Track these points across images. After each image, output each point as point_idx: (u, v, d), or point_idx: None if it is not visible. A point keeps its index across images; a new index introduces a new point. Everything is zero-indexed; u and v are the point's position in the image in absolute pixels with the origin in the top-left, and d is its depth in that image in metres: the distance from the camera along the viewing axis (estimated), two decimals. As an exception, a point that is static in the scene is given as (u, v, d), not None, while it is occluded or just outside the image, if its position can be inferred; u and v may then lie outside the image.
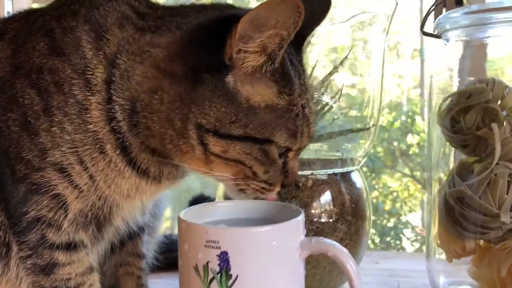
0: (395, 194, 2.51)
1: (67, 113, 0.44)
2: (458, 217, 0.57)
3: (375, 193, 2.44)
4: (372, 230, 2.26)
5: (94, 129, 0.45)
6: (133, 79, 0.44)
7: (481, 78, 0.57)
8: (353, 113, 0.63)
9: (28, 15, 0.52)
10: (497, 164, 0.55)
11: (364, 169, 2.29)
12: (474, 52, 0.61)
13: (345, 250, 0.45)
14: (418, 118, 2.28)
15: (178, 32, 0.44)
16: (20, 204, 0.47)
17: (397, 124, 2.17)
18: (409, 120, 2.19)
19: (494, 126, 0.53)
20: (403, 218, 2.38)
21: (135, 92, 0.44)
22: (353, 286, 0.45)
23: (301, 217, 0.46)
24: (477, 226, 0.56)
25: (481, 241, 0.59)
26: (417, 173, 2.35)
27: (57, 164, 0.46)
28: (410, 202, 2.44)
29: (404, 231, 2.23)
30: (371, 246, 2.06)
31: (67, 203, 0.47)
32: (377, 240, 2.15)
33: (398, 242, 2.14)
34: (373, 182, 2.41)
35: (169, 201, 0.65)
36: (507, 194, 0.54)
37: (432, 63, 0.63)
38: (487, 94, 0.55)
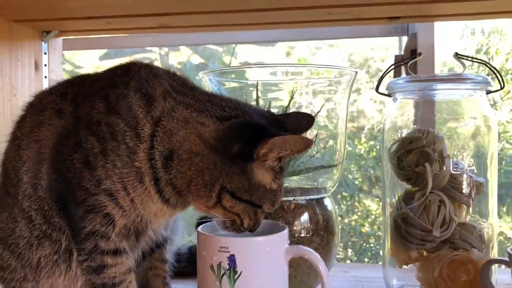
0: (373, 216, 2.70)
1: (118, 154, 0.60)
2: (404, 233, 0.76)
3: (355, 217, 2.62)
4: (350, 250, 2.44)
5: (138, 165, 0.60)
6: (174, 137, 0.59)
7: (419, 128, 0.77)
8: (326, 152, 0.82)
9: (83, 80, 0.69)
10: (430, 192, 0.74)
11: (344, 194, 2.48)
12: (417, 108, 0.81)
13: (317, 254, 0.63)
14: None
15: (224, 124, 0.60)
16: (79, 221, 0.62)
17: (373, 153, 2.37)
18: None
19: (427, 165, 0.73)
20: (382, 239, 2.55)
21: (174, 147, 0.59)
22: (323, 281, 0.63)
23: (286, 231, 0.65)
24: (417, 239, 0.74)
25: (424, 252, 0.78)
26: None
27: (108, 190, 0.60)
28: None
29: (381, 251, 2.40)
30: (348, 262, 2.24)
31: (114, 220, 0.62)
32: (354, 259, 2.32)
33: (375, 261, 2.31)
34: (352, 206, 2.59)
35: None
36: (437, 215, 0.73)
37: (385, 115, 0.83)
38: (423, 141, 0.74)
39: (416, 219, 0.74)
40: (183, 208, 0.66)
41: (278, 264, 0.63)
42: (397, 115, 0.80)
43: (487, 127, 0.77)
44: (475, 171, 0.75)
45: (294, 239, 0.73)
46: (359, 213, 2.66)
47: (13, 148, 0.67)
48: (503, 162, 2.05)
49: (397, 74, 1.09)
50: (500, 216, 2.05)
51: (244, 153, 0.59)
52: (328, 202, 0.79)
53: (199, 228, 0.65)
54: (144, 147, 0.60)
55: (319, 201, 0.77)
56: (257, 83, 0.75)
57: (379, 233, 2.72)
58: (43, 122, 0.66)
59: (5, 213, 0.66)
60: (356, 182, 2.52)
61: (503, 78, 0.75)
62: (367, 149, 2.42)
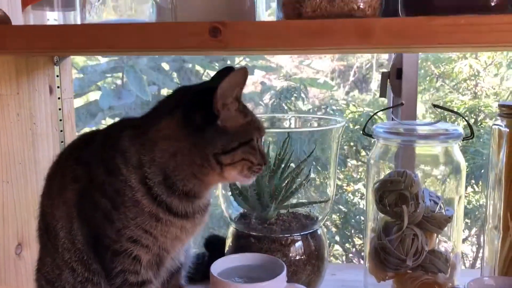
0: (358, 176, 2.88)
1: (127, 207, 0.68)
2: (382, 259, 0.89)
3: (341, 176, 2.78)
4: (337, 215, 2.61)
5: (148, 209, 0.68)
6: (158, 161, 0.68)
7: (398, 170, 0.89)
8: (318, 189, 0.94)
9: (88, 142, 0.77)
10: (406, 227, 0.87)
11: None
12: (398, 150, 0.92)
13: (309, 291, 0.77)
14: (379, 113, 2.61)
15: (175, 113, 0.68)
16: (109, 262, 0.73)
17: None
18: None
19: (404, 207, 0.85)
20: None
21: (163, 166, 0.68)
22: (314, 312, 0.77)
23: (284, 272, 0.78)
24: (393, 265, 0.88)
25: (399, 271, 0.92)
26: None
27: (130, 237, 0.69)
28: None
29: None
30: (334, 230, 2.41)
31: (141, 259, 0.71)
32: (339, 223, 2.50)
33: (360, 221, 2.50)
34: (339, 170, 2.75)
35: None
36: (411, 247, 0.87)
37: (370, 154, 0.94)
38: (401, 185, 0.86)
39: (393, 250, 0.87)
40: (201, 214, 0.74)
41: (278, 300, 0.77)
42: (380, 154, 0.92)
43: (458, 170, 0.89)
44: (443, 209, 0.88)
45: (291, 269, 0.87)
46: (345, 172, 2.82)
47: (49, 204, 0.77)
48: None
49: (382, 94, 1.20)
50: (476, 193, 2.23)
51: (207, 117, 0.67)
52: (320, 234, 0.92)
53: (212, 270, 0.78)
54: (141, 194, 0.69)
55: (313, 234, 0.90)
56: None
57: (362, 191, 2.90)
58: (66, 186, 0.75)
59: (48, 259, 0.78)
60: (343, 149, 2.66)
61: (473, 128, 0.86)
62: (354, 118, 2.54)
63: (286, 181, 0.89)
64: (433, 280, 0.88)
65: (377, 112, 0.93)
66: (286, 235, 0.87)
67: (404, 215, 0.85)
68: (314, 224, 0.91)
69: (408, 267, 0.88)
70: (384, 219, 0.92)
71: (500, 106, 0.84)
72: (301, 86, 2.83)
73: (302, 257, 0.88)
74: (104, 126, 0.80)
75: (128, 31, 0.71)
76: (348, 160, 2.74)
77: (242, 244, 0.88)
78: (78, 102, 2.91)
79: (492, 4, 0.68)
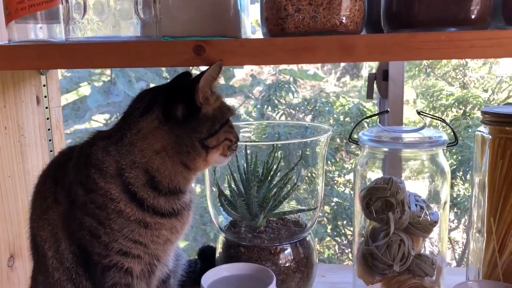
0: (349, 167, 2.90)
1: (111, 219, 0.69)
2: (370, 264, 0.91)
3: (332, 168, 2.80)
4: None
5: (134, 218, 0.69)
6: (138, 162, 0.68)
7: (384, 177, 0.90)
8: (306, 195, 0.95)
9: (65, 163, 0.77)
10: (393, 233, 0.88)
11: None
12: (384, 157, 0.93)
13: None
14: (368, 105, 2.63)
15: (152, 111, 0.70)
16: (100, 278, 0.73)
17: (349, 117, 2.51)
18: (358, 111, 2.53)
19: (390, 214, 0.87)
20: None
21: (144, 165, 0.69)
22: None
23: (274, 282, 0.79)
24: (381, 270, 0.90)
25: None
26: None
27: (119, 250, 0.70)
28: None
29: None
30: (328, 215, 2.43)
31: (132, 270, 0.72)
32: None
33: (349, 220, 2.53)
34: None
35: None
36: (398, 252, 0.88)
37: (357, 160, 0.95)
38: (387, 192, 0.87)
39: (380, 256, 0.89)
40: (187, 209, 0.75)
41: (267, 311, 0.78)
42: (367, 161, 0.93)
43: (442, 174, 0.90)
44: (428, 214, 0.90)
45: (280, 277, 0.88)
46: (336, 164, 2.84)
47: (35, 226, 0.78)
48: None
49: (369, 95, 1.21)
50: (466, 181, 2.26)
51: (189, 110, 0.69)
52: (309, 241, 0.93)
53: (203, 283, 0.79)
54: (124, 203, 0.69)
55: (302, 241, 0.91)
56: (246, 146, 0.86)
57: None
58: (48, 207, 0.76)
59: (40, 277, 0.79)
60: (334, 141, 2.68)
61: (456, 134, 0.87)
62: (345, 110, 2.55)
63: (274, 190, 0.90)
64: (420, 284, 0.90)
65: (363, 119, 0.94)
66: (275, 244, 0.88)
67: (390, 222, 0.87)
68: (303, 232, 0.93)
69: (395, 272, 0.90)
70: (371, 225, 0.94)
71: (483, 112, 0.85)
72: (291, 78, 2.83)
73: (292, 264, 0.89)
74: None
75: (113, 50, 0.72)
76: (339, 151, 2.76)
77: (232, 254, 0.89)
78: (70, 97, 2.90)
79: (473, 17, 0.69)
